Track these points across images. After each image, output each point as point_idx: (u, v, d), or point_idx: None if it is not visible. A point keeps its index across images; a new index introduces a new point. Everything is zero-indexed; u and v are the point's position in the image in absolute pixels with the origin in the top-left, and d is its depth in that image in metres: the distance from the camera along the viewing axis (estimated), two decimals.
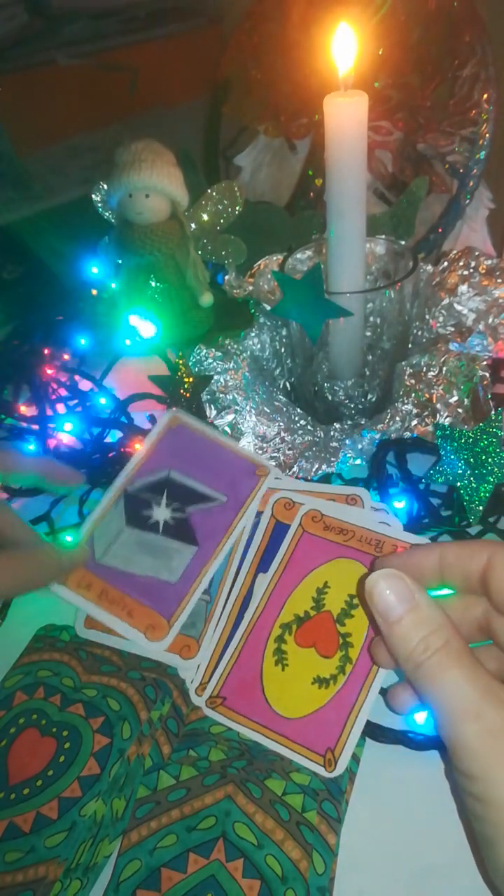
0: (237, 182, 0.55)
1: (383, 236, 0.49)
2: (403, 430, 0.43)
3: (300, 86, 0.63)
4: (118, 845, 0.29)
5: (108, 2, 1.03)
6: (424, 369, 0.44)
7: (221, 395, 0.45)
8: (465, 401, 0.43)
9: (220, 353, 0.47)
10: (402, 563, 0.29)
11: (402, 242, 0.49)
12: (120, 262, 0.52)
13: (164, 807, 0.29)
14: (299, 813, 0.28)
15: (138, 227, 0.48)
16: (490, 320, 0.47)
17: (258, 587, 0.36)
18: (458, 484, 0.39)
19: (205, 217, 0.53)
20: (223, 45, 0.72)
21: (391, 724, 0.32)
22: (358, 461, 0.43)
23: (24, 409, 0.51)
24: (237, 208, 0.53)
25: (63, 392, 0.52)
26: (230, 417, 0.45)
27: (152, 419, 0.47)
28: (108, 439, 0.48)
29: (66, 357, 0.55)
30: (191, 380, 0.46)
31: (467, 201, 0.58)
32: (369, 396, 0.48)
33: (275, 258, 0.52)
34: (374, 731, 0.32)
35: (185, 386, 0.46)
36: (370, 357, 0.48)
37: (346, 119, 0.36)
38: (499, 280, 0.48)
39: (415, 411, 0.43)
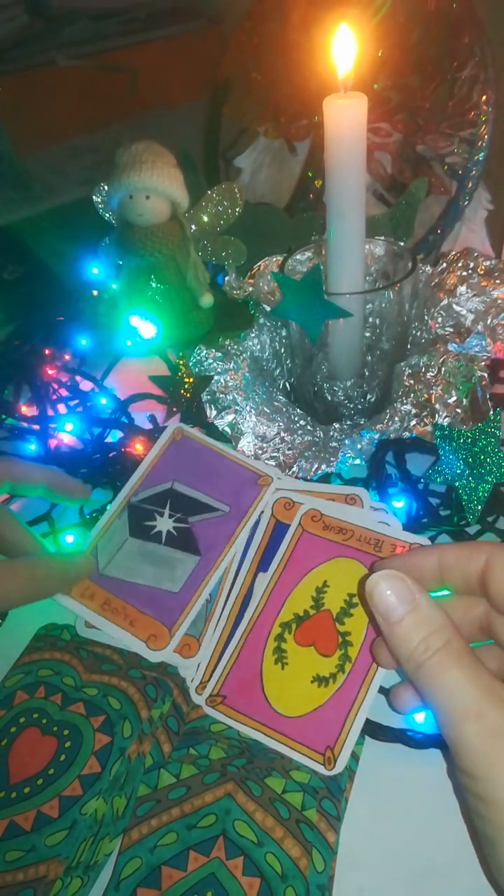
0: (237, 183, 0.56)
1: (382, 237, 0.49)
2: (402, 431, 0.43)
3: (300, 87, 0.63)
4: (119, 843, 0.29)
5: (109, 3, 1.03)
6: (423, 370, 0.44)
7: (221, 396, 0.45)
8: (464, 401, 0.43)
9: (220, 354, 0.47)
10: (401, 566, 0.29)
11: (402, 243, 0.49)
12: (120, 262, 0.52)
13: (165, 805, 0.29)
14: (299, 811, 0.29)
15: (139, 228, 0.48)
16: (489, 321, 0.47)
17: (258, 586, 0.36)
18: (457, 484, 0.39)
19: (205, 218, 0.53)
20: (223, 46, 0.72)
21: (390, 723, 0.32)
22: (357, 461, 0.43)
23: (25, 410, 0.51)
24: (237, 210, 0.53)
25: (64, 392, 0.52)
26: (230, 417, 0.45)
27: (153, 419, 0.47)
28: (109, 439, 0.48)
29: (66, 357, 0.55)
30: (191, 380, 0.46)
31: (466, 203, 0.58)
32: (368, 397, 0.48)
33: (274, 259, 0.53)
34: (373, 730, 0.32)
35: (186, 386, 0.46)
36: (369, 357, 0.48)
37: (346, 121, 0.37)
38: (497, 281, 0.48)
39: (414, 411, 0.43)
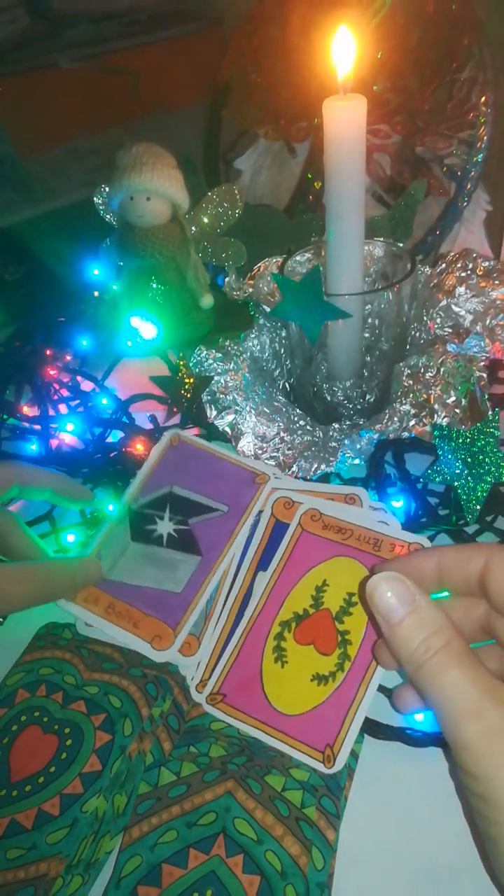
0: (237, 185, 0.56)
1: (381, 239, 0.49)
2: (401, 431, 0.43)
3: (300, 89, 0.63)
4: (119, 841, 0.29)
5: (110, 5, 1.03)
6: (422, 370, 0.44)
7: (222, 396, 0.46)
8: (463, 401, 0.43)
9: (220, 355, 0.48)
10: (401, 568, 0.29)
11: (401, 245, 0.49)
12: (121, 264, 0.52)
13: (165, 803, 0.29)
14: (299, 809, 0.29)
15: (139, 229, 0.48)
16: (487, 321, 0.47)
17: (258, 585, 0.36)
18: (456, 483, 0.40)
19: (205, 220, 0.54)
20: (223, 49, 0.73)
21: (390, 721, 0.33)
22: (356, 461, 0.43)
23: (27, 410, 0.51)
24: (237, 211, 0.54)
25: (65, 392, 0.52)
26: (230, 418, 0.45)
27: (154, 419, 0.48)
28: (110, 439, 0.49)
29: (67, 358, 0.55)
30: (191, 380, 0.46)
31: (465, 204, 0.58)
32: (368, 397, 0.48)
33: (274, 260, 0.53)
34: (372, 728, 0.32)
35: (186, 386, 0.47)
36: (369, 358, 0.48)
37: (345, 122, 0.37)
38: (496, 282, 0.48)
39: (413, 411, 0.43)
